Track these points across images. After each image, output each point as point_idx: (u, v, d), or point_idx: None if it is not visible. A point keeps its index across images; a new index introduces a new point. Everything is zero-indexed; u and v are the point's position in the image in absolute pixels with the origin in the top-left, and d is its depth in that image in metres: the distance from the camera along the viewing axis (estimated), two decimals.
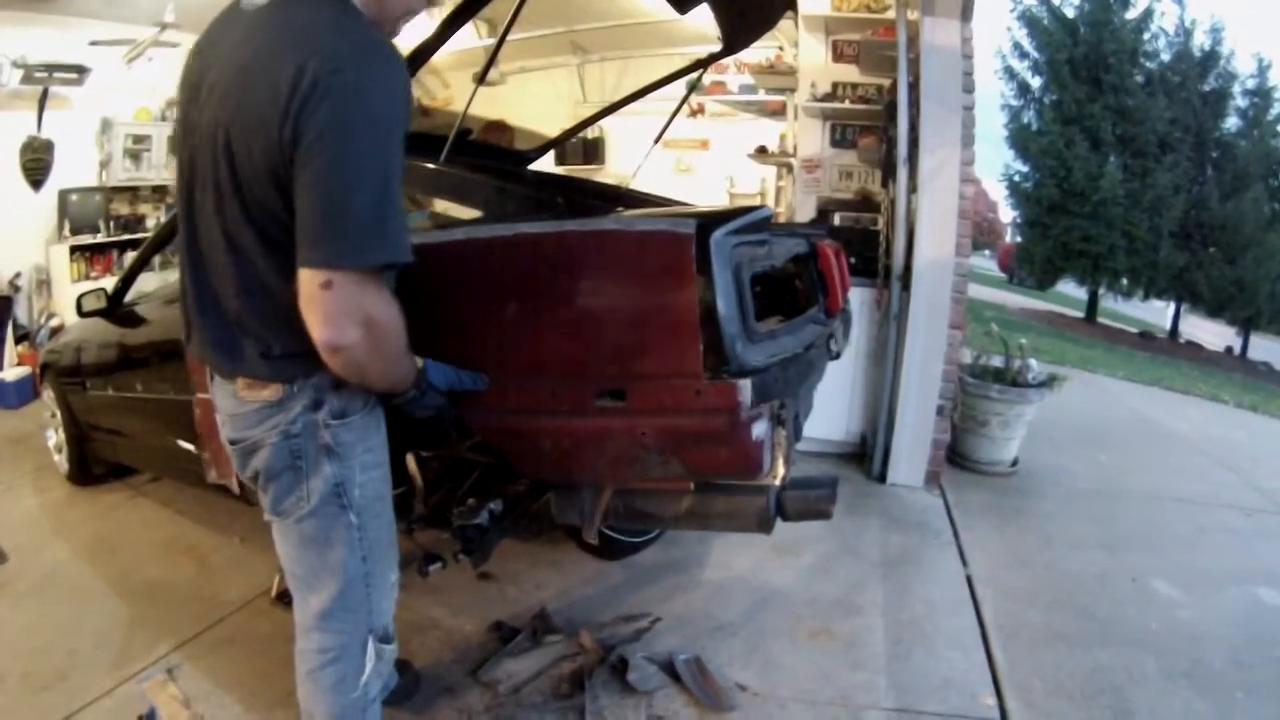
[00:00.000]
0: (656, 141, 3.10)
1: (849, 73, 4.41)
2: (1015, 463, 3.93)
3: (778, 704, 2.08)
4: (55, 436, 3.68)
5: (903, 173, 3.44)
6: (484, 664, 2.16)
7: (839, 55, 4.45)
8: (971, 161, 3.43)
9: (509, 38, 2.19)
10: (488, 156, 2.96)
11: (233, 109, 1.12)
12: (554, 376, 1.55)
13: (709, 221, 1.45)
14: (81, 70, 5.04)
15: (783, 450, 1.61)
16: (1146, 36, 14.46)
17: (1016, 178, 15.21)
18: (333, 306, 1.09)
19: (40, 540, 3.07)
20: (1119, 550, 3.13)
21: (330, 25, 1.12)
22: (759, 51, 5.53)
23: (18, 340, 5.03)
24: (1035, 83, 15.09)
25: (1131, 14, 14.41)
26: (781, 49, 5.51)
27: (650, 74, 3.05)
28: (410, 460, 1.96)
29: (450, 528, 1.95)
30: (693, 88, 3.19)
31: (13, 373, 4.87)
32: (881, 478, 3.63)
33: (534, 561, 2.76)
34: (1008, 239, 25.68)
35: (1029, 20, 15.02)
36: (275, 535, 1.42)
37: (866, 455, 3.76)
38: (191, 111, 1.23)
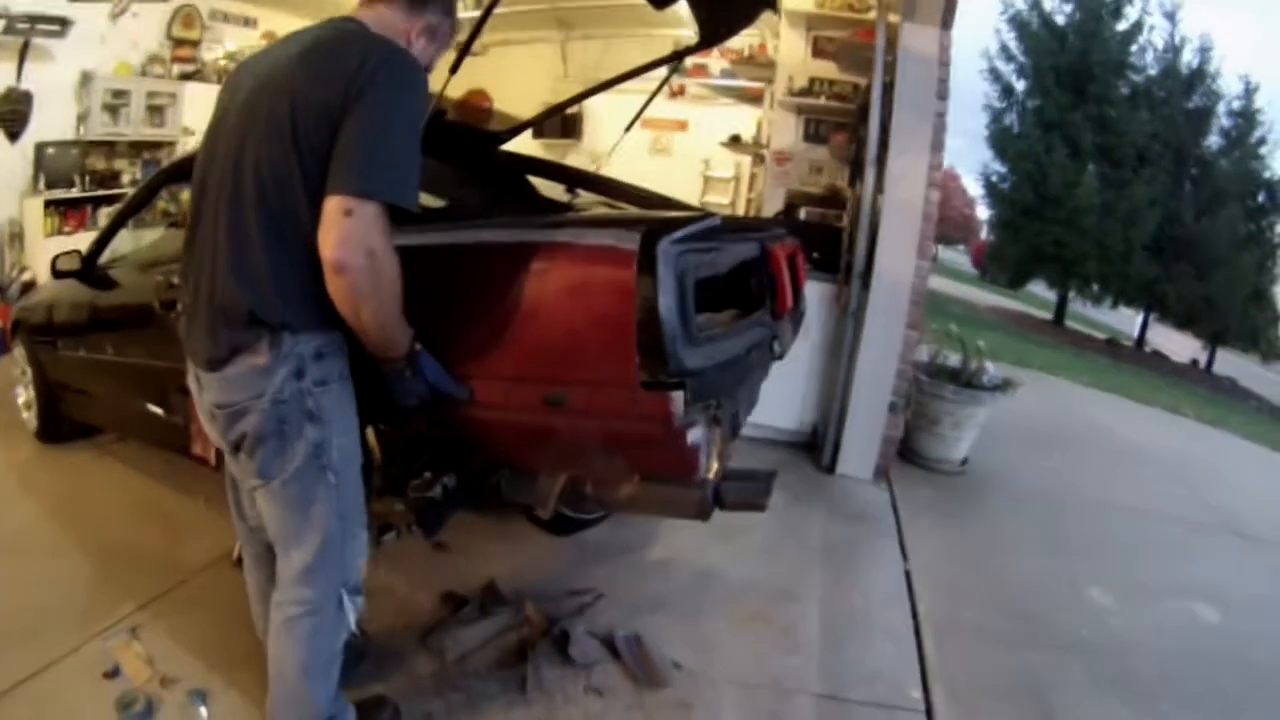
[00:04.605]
0: (630, 127, 3.16)
1: (827, 69, 4.49)
2: (965, 462, 4.06)
3: (710, 684, 2.16)
4: (24, 394, 3.69)
5: (870, 173, 3.52)
6: (433, 632, 2.23)
7: (818, 51, 4.54)
8: (939, 167, 3.53)
9: (495, 10, 2.25)
10: (460, 138, 3.00)
11: (302, 79, 1.39)
12: (506, 377, 1.64)
13: (656, 230, 1.52)
14: (64, 22, 4.97)
15: (718, 448, 1.71)
16: (1134, 49, 14.60)
17: (994, 178, 15.40)
18: (347, 231, 1.31)
19: (8, 498, 3.10)
20: (1058, 555, 3.21)
21: (375, 37, 1.46)
22: (743, 39, 5.59)
23: None
24: (1020, 86, 15.18)
25: (1122, 26, 14.54)
26: (765, 41, 5.57)
27: (634, 53, 3.08)
28: (370, 433, 2.03)
29: (405, 499, 2.03)
30: (672, 72, 3.25)
31: None
32: (830, 469, 3.74)
33: (486, 534, 2.82)
34: (983, 236, 25.85)
35: (1018, 24, 15.09)
36: (259, 499, 1.56)
37: (818, 446, 3.87)
38: (239, 94, 1.48)
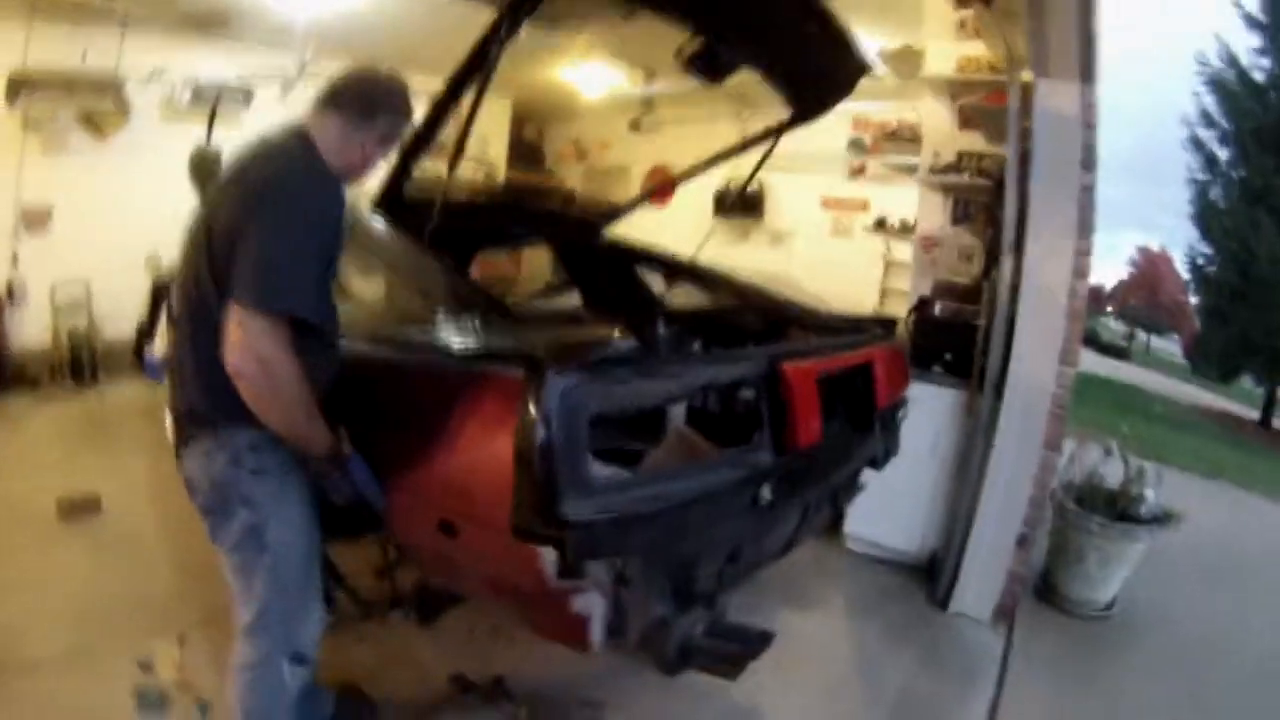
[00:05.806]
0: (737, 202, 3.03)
1: (976, 141, 4.07)
2: (1112, 604, 3.39)
3: None
4: (169, 418, 4.10)
5: (1007, 261, 3.08)
6: (432, 712, 2.23)
7: (966, 122, 4.13)
8: (1088, 253, 3.03)
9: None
10: (543, 225, 3.01)
11: (220, 200, 1.56)
12: (409, 494, 1.60)
13: (544, 359, 1.33)
14: (247, 93, 5.75)
15: (637, 614, 1.52)
16: None
17: (1200, 260, 13.68)
18: (238, 340, 1.44)
19: (136, 504, 3.48)
20: None
21: (289, 156, 1.59)
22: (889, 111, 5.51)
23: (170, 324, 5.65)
24: (1224, 155, 13.33)
25: None
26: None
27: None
28: None
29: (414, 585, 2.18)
30: (768, 153, 3.07)
31: (161, 351, 5.48)
32: (944, 604, 3.21)
33: None
34: (1197, 324, 23.12)
35: (1217, 85, 13.32)
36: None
37: (935, 574, 3.35)
38: (201, 210, 1.66)
